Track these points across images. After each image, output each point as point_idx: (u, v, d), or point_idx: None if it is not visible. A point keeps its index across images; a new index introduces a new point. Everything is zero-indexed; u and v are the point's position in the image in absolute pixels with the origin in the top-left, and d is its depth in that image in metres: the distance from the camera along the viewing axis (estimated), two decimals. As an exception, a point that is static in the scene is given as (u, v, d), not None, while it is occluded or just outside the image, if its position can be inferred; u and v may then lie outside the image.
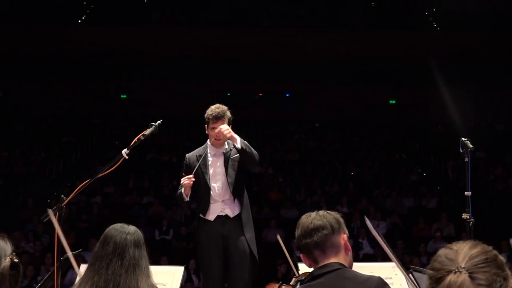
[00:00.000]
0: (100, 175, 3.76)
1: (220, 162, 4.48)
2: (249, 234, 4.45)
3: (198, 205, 4.54)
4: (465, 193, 3.87)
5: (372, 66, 19.05)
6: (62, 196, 3.56)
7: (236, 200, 4.45)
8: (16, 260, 2.03)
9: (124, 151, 3.71)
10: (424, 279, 3.40)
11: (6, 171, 14.95)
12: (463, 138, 3.96)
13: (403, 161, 17.51)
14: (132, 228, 2.66)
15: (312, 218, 2.47)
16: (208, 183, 4.44)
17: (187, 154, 4.60)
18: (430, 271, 1.62)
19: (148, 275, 2.57)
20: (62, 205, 3.48)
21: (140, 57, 18.73)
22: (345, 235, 2.47)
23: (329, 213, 2.50)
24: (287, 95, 20.55)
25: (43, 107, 18.95)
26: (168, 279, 3.75)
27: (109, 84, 19.18)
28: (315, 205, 12.90)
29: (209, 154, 4.50)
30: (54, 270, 3.26)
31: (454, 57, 18.04)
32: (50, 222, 3.56)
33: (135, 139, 3.79)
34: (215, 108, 4.47)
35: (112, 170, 3.73)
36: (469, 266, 1.56)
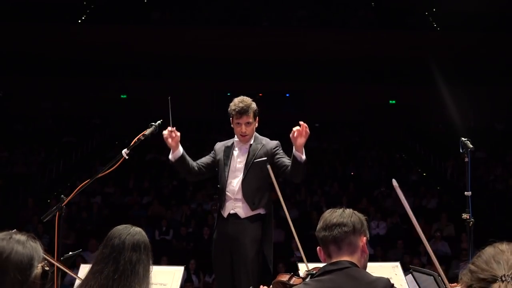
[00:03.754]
0: (100, 175, 3.75)
1: (242, 159, 4.26)
2: (259, 242, 4.15)
3: (218, 198, 4.37)
4: (465, 193, 3.86)
5: (372, 66, 19.05)
6: (62, 196, 3.55)
7: (250, 202, 4.19)
8: (47, 268, 1.89)
9: (124, 151, 3.70)
10: (423, 279, 3.40)
11: (6, 171, 14.95)
12: (463, 138, 3.95)
13: (403, 161, 17.52)
14: (134, 230, 2.51)
15: (337, 214, 2.46)
16: (226, 177, 4.23)
17: (217, 142, 4.47)
18: (473, 267, 1.61)
19: (142, 283, 2.41)
20: (62, 205, 3.48)
21: (140, 57, 18.73)
22: (365, 238, 2.45)
23: (355, 213, 2.49)
24: (287, 95, 20.55)
25: (43, 107, 18.96)
26: (168, 279, 3.74)
27: (109, 84, 19.18)
28: (315, 205, 12.92)
29: (235, 147, 4.32)
30: (54, 270, 3.25)
31: (454, 57, 18.04)
32: (50, 222, 3.56)
33: (135, 139, 3.78)
34: (238, 102, 4.26)
35: (112, 170, 3.72)
36: None
